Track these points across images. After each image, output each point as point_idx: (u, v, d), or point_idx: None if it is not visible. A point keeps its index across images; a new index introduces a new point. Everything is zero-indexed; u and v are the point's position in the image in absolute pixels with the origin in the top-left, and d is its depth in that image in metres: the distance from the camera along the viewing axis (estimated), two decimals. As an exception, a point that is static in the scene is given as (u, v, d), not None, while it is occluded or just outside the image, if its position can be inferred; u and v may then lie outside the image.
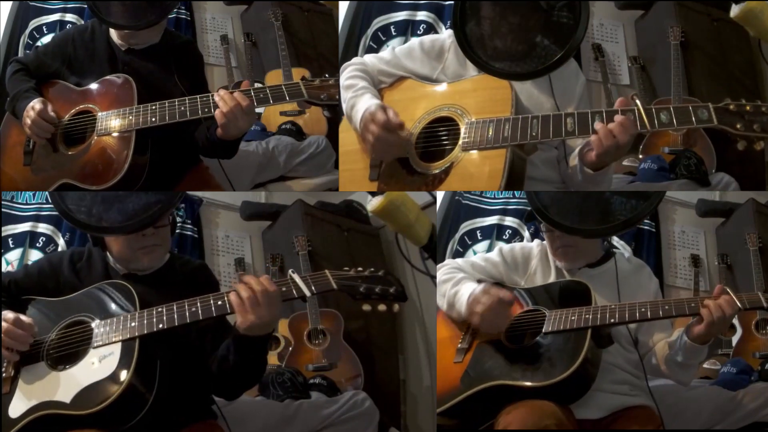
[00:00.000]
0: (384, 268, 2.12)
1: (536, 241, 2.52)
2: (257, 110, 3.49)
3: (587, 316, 2.22)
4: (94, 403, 1.96)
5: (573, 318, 2.23)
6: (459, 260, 2.48)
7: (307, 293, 2.03)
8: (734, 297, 2.15)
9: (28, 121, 2.44)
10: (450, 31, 2.39)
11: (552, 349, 2.21)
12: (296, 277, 2.06)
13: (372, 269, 2.11)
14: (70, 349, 2.07)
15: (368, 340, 3.40)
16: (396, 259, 3.40)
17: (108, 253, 2.25)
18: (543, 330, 2.25)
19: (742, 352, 3.22)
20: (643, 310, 2.20)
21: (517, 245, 2.53)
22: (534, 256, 2.47)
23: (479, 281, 2.41)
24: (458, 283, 2.35)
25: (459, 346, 2.32)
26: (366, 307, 2.07)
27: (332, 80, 2.34)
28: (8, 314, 2.08)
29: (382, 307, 2.07)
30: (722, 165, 3.38)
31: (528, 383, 2.16)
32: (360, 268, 2.11)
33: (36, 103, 2.44)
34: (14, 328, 2.06)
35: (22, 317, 2.09)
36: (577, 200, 2.28)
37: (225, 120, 2.29)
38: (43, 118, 2.43)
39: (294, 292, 2.04)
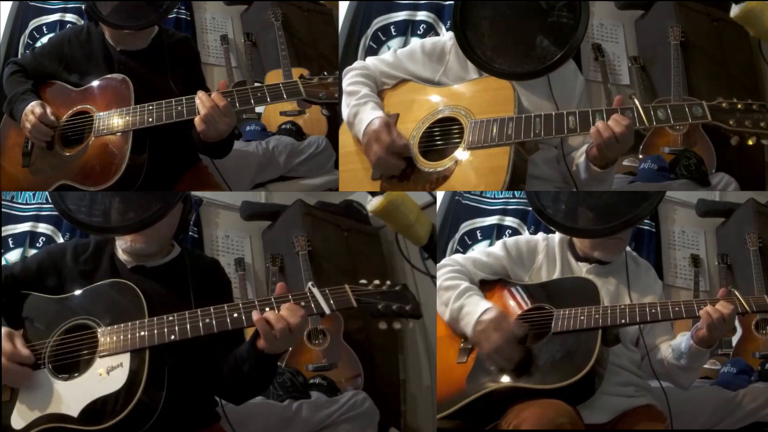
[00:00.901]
0: (386, 269, 2.10)
1: (541, 235, 2.51)
2: (257, 110, 3.56)
3: (597, 316, 2.21)
4: (103, 418, 1.90)
5: (582, 318, 2.22)
6: (459, 258, 2.45)
7: (327, 311, 1.98)
8: (741, 299, 2.17)
9: (28, 126, 2.43)
10: (451, 33, 2.40)
11: (561, 350, 2.19)
12: (316, 292, 2.00)
13: (389, 282, 2.07)
14: (74, 357, 2.01)
15: (368, 340, 3.40)
16: (396, 259, 3.40)
17: (115, 241, 2.21)
18: (551, 330, 2.24)
19: (742, 352, 3.22)
20: (653, 311, 2.20)
21: (522, 238, 2.51)
22: (540, 251, 2.44)
23: (482, 282, 2.41)
24: (462, 296, 2.31)
25: (462, 345, 2.30)
26: (382, 326, 2.03)
27: (331, 78, 2.33)
28: (6, 345, 1.99)
29: (397, 326, 2.03)
30: (722, 165, 3.38)
31: (539, 386, 2.15)
32: (377, 282, 2.07)
33: (36, 107, 2.44)
34: (11, 363, 1.98)
35: (18, 348, 1.99)
36: (577, 200, 2.27)
37: (204, 124, 2.28)
38: (43, 122, 2.43)
39: (314, 308, 1.99)
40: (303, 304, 1.98)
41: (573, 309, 2.24)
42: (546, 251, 2.44)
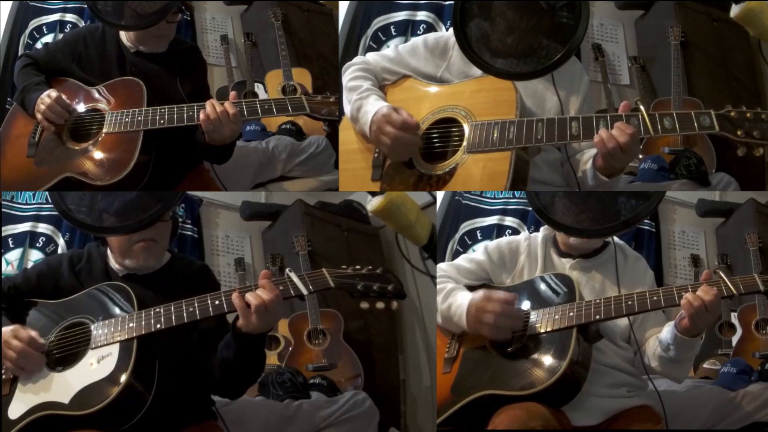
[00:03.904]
0: (382, 266, 2.12)
1: (524, 234, 2.49)
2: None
3: (571, 314, 2.19)
4: (92, 403, 1.96)
5: (557, 317, 2.19)
6: (444, 266, 2.44)
7: (305, 292, 2.03)
8: (727, 281, 2.09)
9: (42, 107, 2.46)
10: None
11: (538, 352, 2.18)
12: (294, 276, 2.05)
13: (370, 267, 2.10)
14: (69, 351, 2.07)
15: (368, 340, 3.40)
16: (396, 259, 3.40)
17: (108, 252, 2.25)
18: (527, 332, 2.22)
19: (742, 352, 3.22)
20: (630, 303, 2.15)
21: (503, 240, 2.49)
22: (522, 251, 2.43)
23: (467, 287, 2.39)
24: (449, 296, 2.32)
25: (446, 355, 2.30)
26: (364, 305, 2.06)
27: (333, 98, 2.39)
28: (22, 332, 2.06)
29: (380, 305, 2.06)
30: (722, 165, 3.37)
31: (515, 392, 2.13)
32: (358, 266, 2.10)
33: (51, 92, 2.48)
34: (31, 348, 2.06)
35: (34, 335, 2.07)
36: (576, 200, 2.26)
37: (210, 126, 2.33)
38: (59, 104, 2.46)
39: (291, 291, 2.04)
40: (282, 288, 2.03)
41: (548, 309, 2.23)
42: (528, 251, 2.42)
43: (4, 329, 2.07)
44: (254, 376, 2.22)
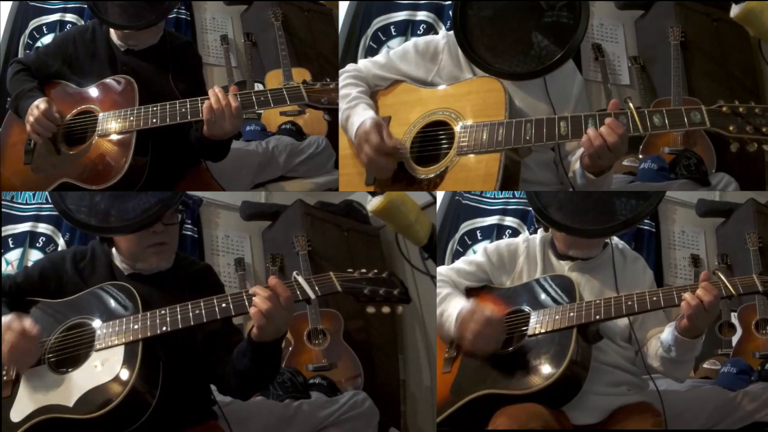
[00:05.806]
0: (386, 269, 2.11)
1: (523, 236, 2.50)
2: (258, 111, 3.56)
3: (571, 314, 2.19)
4: (96, 406, 1.94)
5: (557, 317, 2.20)
6: (443, 269, 2.45)
7: (312, 296, 2.02)
8: (726, 281, 2.08)
9: (31, 119, 2.44)
10: (444, 32, 2.41)
11: (538, 352, 2.18)
12: (301, 280, 2.04)
13: (376, 270, 2.10)
14: (72, 352, 2.05)
15: (368, 340, 3.40)
16: (396, 259, 3.40)
17: (114, 251, 2.24)
18: (527, 333, 2.22)
19: (742, 352, 3.22)
20: (629, 303, 2.15)
21: (502, 243, 2.49)
22: (521, 253, 2.43)
23: (467, 289, 2.40)
24: (444, 301, 2.33)
25: (446, 355, 2.31)
26: (370, 309, 2.06)
27: (333, 84, 2.35)
28: (15, 323, 2.03)
29: (386, 309, 2.06)
30: (722, 165, 3.38)
31: (515, 391, 2.13)
32: (364, 270, 2.10)
33: (41, 103, 2.45)
34: (24, 340, 2.02)
35: (27, 326, 2.03)
36: (576, 200, 2.26)
37: (212, 116, 2.29)
38: (47, 117, 2.44)
39: (299, 294, 2.02)
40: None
41: (548, 309, 2.23)
42: (527, 253, 2.42)
43: (3, 318, 2.05)
44: (271, 379, 2.22)
